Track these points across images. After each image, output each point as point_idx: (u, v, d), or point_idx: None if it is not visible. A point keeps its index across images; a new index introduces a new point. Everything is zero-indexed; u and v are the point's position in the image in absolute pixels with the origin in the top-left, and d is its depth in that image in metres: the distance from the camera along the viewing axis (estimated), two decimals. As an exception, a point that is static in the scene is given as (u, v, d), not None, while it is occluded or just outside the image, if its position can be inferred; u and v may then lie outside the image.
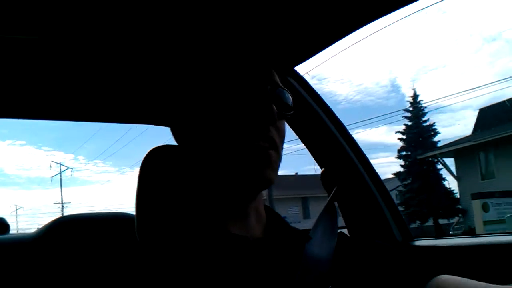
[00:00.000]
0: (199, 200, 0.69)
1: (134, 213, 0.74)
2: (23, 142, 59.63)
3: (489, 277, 0.95)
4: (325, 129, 1.21)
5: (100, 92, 1.25)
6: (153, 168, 0.73)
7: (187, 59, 1.03)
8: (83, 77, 1.13)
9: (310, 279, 0.65)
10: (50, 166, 34.69)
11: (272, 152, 0.65)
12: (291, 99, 0.69)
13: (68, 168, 31.72)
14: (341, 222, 1.38)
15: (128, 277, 0.61)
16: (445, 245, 1.08)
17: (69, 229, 1.01)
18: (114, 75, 1.15)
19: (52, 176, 31.56)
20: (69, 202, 32.41)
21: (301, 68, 1.18)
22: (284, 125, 0.69)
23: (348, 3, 0.87)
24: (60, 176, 30.33)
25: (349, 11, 0.90)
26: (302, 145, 1.26)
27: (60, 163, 30.99)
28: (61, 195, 33.17)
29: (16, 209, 35.06)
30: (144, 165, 0.73)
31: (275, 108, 0.63)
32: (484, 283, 0.65)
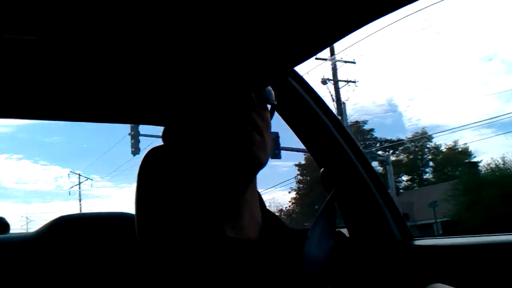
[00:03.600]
0: (195, 199, 0.69)
1: (134, 213, 0.74)
2: (20, 156, 59.64)
3: (489, 276, 0.95)
4: (324, 129, 1.21)
5: (98, 92, 1.25)
6: (153, 167, 0.73)
7: (183, 58, 1.03)
8: (81, 77, 1.13)
9: (308, 281, 0.65)
10: (69, 175, 34.90)
11: (255, 134, 0.67)
12: (273, 93, 0.74)
13: (88, 178, 30.43)
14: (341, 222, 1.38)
15: (129, 277, 0.61)
16: (445, 244, 1.08)
17: (69, 229, 1.01)
18: (114, 75, 1.15)
19: (70, 188, 30.67)
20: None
21: (301, 69, 1.18)
22: (268, 114, 0.72)
23: (348, 3, 0.87)
24: (79, 186, 29.26)
25: (349, 11, 0.90)
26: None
27: (79, 174, 29.97)
28: (80, 207, 30.48)
29: (27, 223, 33.65)
30: (144, 165, 0.74)
31: (253, 94, 0.66)
32: None
